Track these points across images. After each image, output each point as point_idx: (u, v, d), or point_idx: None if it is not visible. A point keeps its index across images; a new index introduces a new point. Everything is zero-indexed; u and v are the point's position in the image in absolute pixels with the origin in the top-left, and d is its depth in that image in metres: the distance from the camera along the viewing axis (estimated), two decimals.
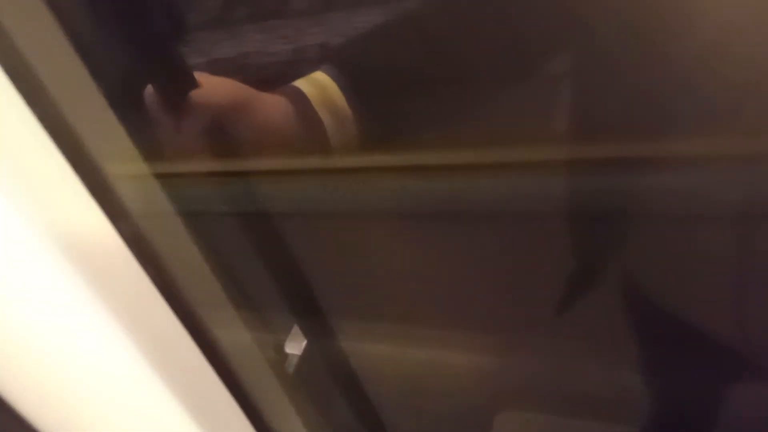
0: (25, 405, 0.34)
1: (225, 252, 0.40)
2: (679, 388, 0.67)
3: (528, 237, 0.67)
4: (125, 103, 0.35)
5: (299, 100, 0.51)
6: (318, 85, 0.52)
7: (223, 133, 0.48)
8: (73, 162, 0.26)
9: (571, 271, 0.64)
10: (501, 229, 0.67)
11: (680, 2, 0.45)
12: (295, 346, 0.62)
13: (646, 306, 0.63)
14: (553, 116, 0.59)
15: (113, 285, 0.29)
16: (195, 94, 0.44)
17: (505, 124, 0.59)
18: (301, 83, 0.52)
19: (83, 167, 0.26)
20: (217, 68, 0.48)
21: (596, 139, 0.54)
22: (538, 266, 0.69)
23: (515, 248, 0.69)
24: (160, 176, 0.33)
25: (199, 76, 0.45)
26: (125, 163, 0.30)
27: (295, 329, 0.63)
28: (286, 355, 0.62)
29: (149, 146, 0.33)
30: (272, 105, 0.50)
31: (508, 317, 0.72)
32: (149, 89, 0.44)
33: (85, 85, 0.29)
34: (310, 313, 0.61)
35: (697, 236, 0.52)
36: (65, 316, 0.29)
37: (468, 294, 0.72)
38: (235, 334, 0.40)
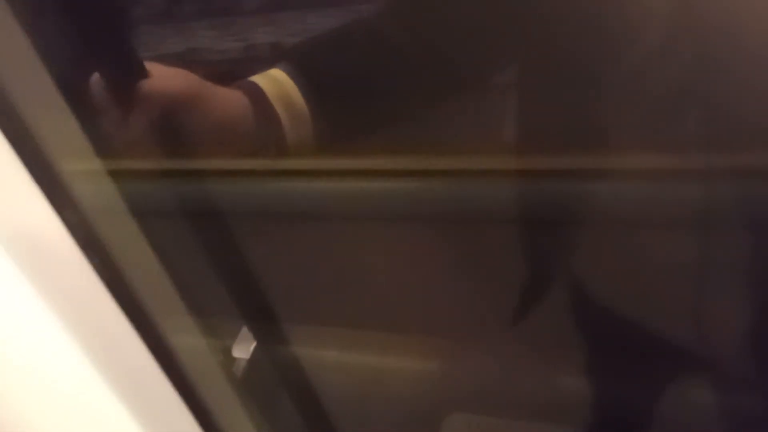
0: None
1: (174, 252, 0.39)
2: (625, 391, 0.69)
3: (477, 242, 0.67)
4: (76, 96, 0.33)
5: (255, 94, 0.50)
6: (274, 80, 0.51)
7: (174, 126, 0.46)
8: (22, 155, 0.25)
9: (524, 282, 0.65)
10: (452, 234, 0.67)
11: (628, 12, 0.46)
12: (244, 350, 0.60)
13: (594, 310, 0.64)
14: (505, 122, 0.60)
15: (59, 283, 0.27)
16: (144, 84, 0.43)
17: (456, 129, 0.59)
18: (257, 78, 0.51)
19: (32, 161, 0.25)
20: (164, 64, 0.47)
21: (546, 147, 0.55)
22: (487, 271, 0.70)
23: (465, 253, 0.69)
24: (110, 173, 0.32)
25: (150, 66, 0.44)
26: (75, 159, 0.29)
27: (244, 333, 0.61)
28: (233, 359, 0.60)
29: (99, 141, 0.32)
30: (227, 98, 0.49)
31: (457, 322, 0.73)
32: (96, 77, 0.42)
33: (36, 77, 0.27)
34: (260, 317, 0.59)
35: (646, 242, 0.54)
36: (7, 314, 0.27)
37: (418, 298, 0.73)
38: (183, 336, 0.38)
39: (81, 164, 0.29)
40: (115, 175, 0.32)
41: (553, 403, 0.74)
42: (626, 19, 0.46)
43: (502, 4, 0.52)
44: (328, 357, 0.69)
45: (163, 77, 0.44)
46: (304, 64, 0.53)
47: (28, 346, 0.29)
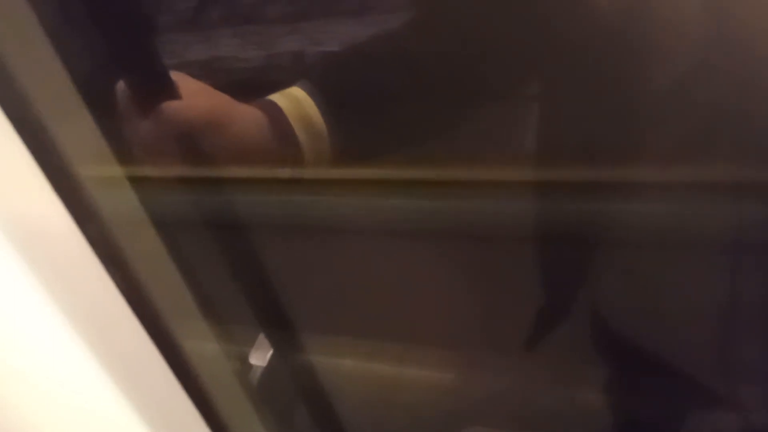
0: None
1: (192, 260, 0.39)
2: (641, 412, 0.68)
3: (498, 258, 0.67)
4: (100, 103, 0.34)
5: (275, 113, 0.50)
6: (294, 99, 0.52)
7: (195, 141, 0.47)
8: (40, 160, 0.25)
9: (542, 306, 0.64)
10: (471, 249, 0.67)
11: (659, 26, 0.46)
12: (260, 357, 0.60)
13: (614, 335, 0.64)
14: (527, 140, 0.60)
15: (76, 290, 0.28)
16: (171, 104, 0.43)
17: (478, 146, 0.59)
18: (276, 97, 0.52)
19: (51, 165, 0.25)
20: (187, 71, 0.47)
21: (570, 164, 0.54)
22: (506, 286, 0.69)
23: (484, 268, 0.69)
24: (129, 180, 0.32)
25: (178, 79, 0.44)
26: (94, 165, 0.29)
27: (260, 340, 0.61)
28: (250, 366, 0.60)
29: (121, 149, 0.32)
30: (247, 117, 0.49)
31: (475, 335, 0.72)
32: (122, 86, 0.42)
33: (60, 82, 0.28)
34: (277, 325, 0.59)
35: (669, 267, 0.53)
36: (23, 321, 0.28)
37: (435, 311, 0.72)
38: (200, 343, 0.39)
39: (99, 170, 0.30)
40: (133, 182, 0.33)
41: (568, 421, 0.73)
42: (658, 35, 0.46)
43: (526, 21, 0.52)
44: (345, 366, 0.69)
45: (187, 93, 0.44)
46: (325, 82, 0.54)
47: (43, 353, 0.29)
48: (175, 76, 0.44)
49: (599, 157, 0.51)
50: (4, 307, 0.28)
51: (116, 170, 0.31)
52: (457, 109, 0.55)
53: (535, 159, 0.58)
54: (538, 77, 0.57)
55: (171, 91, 0.43)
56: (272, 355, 0.60)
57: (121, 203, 0.32)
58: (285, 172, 0.52)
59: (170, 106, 0.43)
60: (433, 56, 0.55)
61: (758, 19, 0.41)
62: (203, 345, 0.39)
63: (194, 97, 0.45)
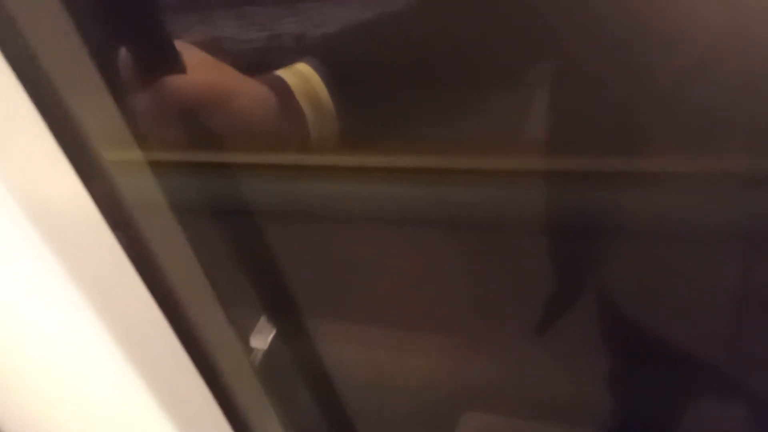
0: None
1: (199, 242, 0.39)
2: (644, 397, 0.68)
3: (501, 244, 0.66)
4: (120, 86, 0.33)
5: (281, 89, 0.49)
6: (301, 75, 0.51)
7: (199, 118, 0.46)
8: (62, 143, 0.25)
9: (550, 292, 0.64)
10: (474, 235, 0.66)
11: (667, 14, 0.45)
12: (261, 340, 0.60)
13: (620, 321, 0.64)
14: (536, 123, 0.59)
15: (93, 268, 0.27)
16: (175, 78, 0.42)
17: (486, 129, 0.58)
18: (283, 73, 0.51)
19: (72, 149, 0.25)
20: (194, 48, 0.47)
21: (580, 151, 0.54)
22: (509, 273, 0.69)
23: (490, 255, 0.68)
24: (142, 163, 0.32)
25: (184, 50, 0.43)
26: (114, 149, 0.29)
27: (261, 323, 0.61)
28: (251, 349, 0.60)
29: (135, 131, 0.32)
30: (253, 91, 0.48)
31: (477, 321, 0.72)
32: (126, 59, 0.41)
33: (82, 66, 0.27)
34: (279, 308, 0.59)
35: (680, 254, 0.53)
36: (41, 299, 0.27)
37: (438, 297, 0.72)
38: (208, 324, 0.38)
39: (118, 154, 0.29)
40: (146, 165, 0.32)
41: (570, 406, 0.73)
42: (666, 24, 0.45)
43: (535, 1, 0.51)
44: (346, 350, 0.69)
45: (192, 66, 0.43)
46: (331, 59, 0.53)
47: (58, 326, 0.29)
48: (181, 47, 0.44)
49: (609, 145, 0.51)
50: (25, 288, 0.27)
51: (129, 153, 0.31)
52: (465, 90, 0.55)
53: (544, 146, 0.58)
54: (547, 60, 0.56)
55: (176, 64, 0.42)
56: (274, 338, 0.60)
57: (138, 186, 0.31)
58: (291, 153, 0.51)
59: (173, 79, 0.43)
60: (440, 34, 0.54)
61: None
62: (211, 325, 0.39)
63: (198, 70, 0.44)
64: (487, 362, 0.74)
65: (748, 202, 0.46)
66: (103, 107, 0.30)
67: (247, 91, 0.48)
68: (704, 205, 0.47)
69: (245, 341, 0.61)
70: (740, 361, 0.56)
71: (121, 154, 0.31)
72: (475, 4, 0.54)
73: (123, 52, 0.41)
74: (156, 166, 0.37)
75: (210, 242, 0.48)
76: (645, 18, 0.46)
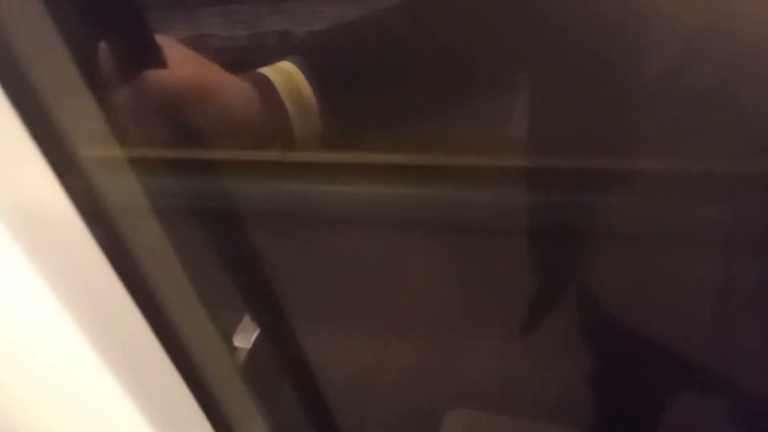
0: None
1: (179, 240, 0.38)
2: (629, 395, 0.69)
3: (486, 243, 0.67)
4: (100, 82, 0.33)
5: (265, 86, 0.49)
6: (285, 73, 0.50)
7: (180, 114, 0.45)
8: (38, 138, 0.24)
9: (535, 294, 0.64)
10: (458, 234, 0.67)
11: (653, 13, 0.46)
12: (245, 339, 0.60)
13: (603, 320, 0.64)
14: (518, 124, 0.59)
15: (69, 268, 0.27)
16: (155, 72, 0.42)
17: (468, 129, 0.58)
18: (267, 71, 0.50)
19: (48, 145, 0.25)
20: (177, 44, 0.46)
21: (565, 151, 0.54)
22: (492, 271, 0.69)
23: (473, 255, 0.69)
24: (119, 160, 0.32)
25: (165, 45, 0.43)
26: (92, 145, 0.28)
27: (245, 322, 0.61)
28: (234, 348, 0.60)
29: (114, 127, 0.31)
30: (236, 88, 0.48)
31: (462, 319, 0.72)
32: (105, 54, 0.41)
33: (60, 61, 0.27)
34: (262, 307, 0.59)
35: (662, 256, 0.53)
36: (14, 298, 0.27)
37: (422, 295, 0.72)
38: (188, 323, 0.38)
39: (96, 151, 0.29)
40: (125, 162, 0.32)
41: (554, 403, 0.73)
42: (649, 24, 0.45)
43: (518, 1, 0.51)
44: (330, 349, 0.69)
45: (173, 60, 0.43)
46: (315, 58, 0.52)
47: (34, 328, 0.29)
48: (163, 42, 0.43)
49: (591, 146, 0.51)
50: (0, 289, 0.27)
51: (107, 150, 0.30)
52: (449, 88, 0.55)
53: (529, 146, 0.58)
54: (531, 59, 0.56)
55: (156, 58, 0.42)
56: (257, 337, 0.60)
57: (116, 183, 0.31)
58: (274, 152, 0.51)
59: (154, 73, 0.42)
60: (424, 32, 0.54)
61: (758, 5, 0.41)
62: (193, 325, 0.39)
63: (180, 65, 0.44)
64: (472, 359, 0.74)
65: (730, 202, 0.47)
66: (80, 102, 0.30)
67: (230, 87, 0.47)
68: (688, 205, 0.48)
69: (228, 340, 0.60)
70: (726, 359, 0.57)
71: (99, 151, 0.31)
72: (460, 3, 0.54)
73: (103, 47, 0.41)
74: (136, 164, 0.37)
75: (192, 241, 0.48)
76: (633, 18, 0.46)
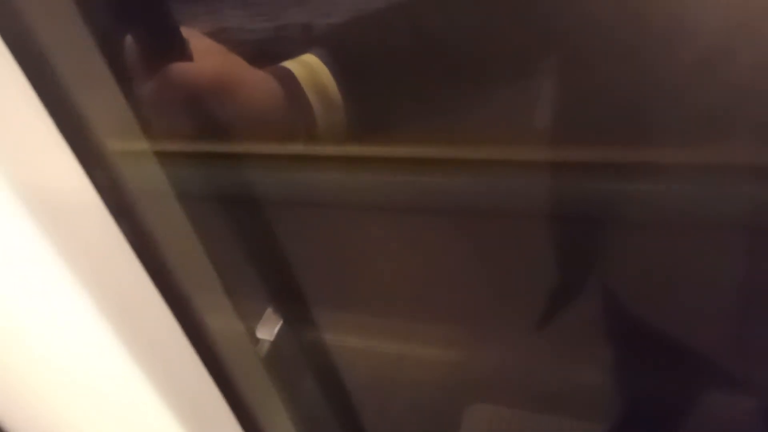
0: None
1: (206, 233, 0.38)
2: (649, 391, 0.68)
3: (508, 235, 0.66)
4: (124, 74, 0.33)
5: (288, 80, 0.49)
6: (308, 67, 0.50)
7: (205, 107, 0.45)
8: (66, 133, 0.24)
9: (553, 285, 0.64)
10: (481, 227, 0.66)
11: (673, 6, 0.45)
12: (268, 332, 0.60)
13: (625, 315, 0.63)
14: (545, 115, 0.59)
15: (96, 260, 0.27)
16: (180, 65, 0.42)
17: (494, 120, 0.58)
18: (290, 64, 0.50)
19: (75, 138, 0.25)
20: (202, 36, 0.46)
21: (589, 142, 0.53)
22: (516, 265, 0.69)
23: (494, 245, 0.68)
24: (148, 153, 0.32)
25: (191, 37, 0.43)
26: (118, 138, 0.28)
27: (268, 314, 0.61)
28: (257, 340, 0.60)
29: (145, 122, 0.31)
30: (259, 83, 0.47)
31: (483, 313, 0.72)
32: (132, 47, 0.41)
33: (86, 54, 0.27)
34: (285, 299, 0.59)
35: (685, 247, 0.52)
36: (43, 292, 0.27)
37: (446, 287, 0.72)
38: (214, 315, 0.38)
39: (123, 144, 0.29)
40: (151, 154, 0.32)
41: (575, 399, 0.73)
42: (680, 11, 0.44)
43: None
44: (352, 342, 0.69)
45: (198, 53, 0.43)
46: (339, 50, 0.52)
47: (61, 320, 0.29)
48: (188, 33, 0.43)
49: (614, 136, 0.51)
50: (29, 281, 0.27)
51: (134, 143, 0.30)
52: (474, 80, 0.54)
53: (550, 136, 0.57)
54: (556, 50, 0.55)
55: (182, 51, 0.42)
56: (280, 329, 0.60)
57: (142, 176, 0.31)
58: (297, 144, 0.51)
59: (179, 66, 0.42)
60: (448, 24, 0.53)
61: None
62: (217, 317, 0.39)
63: (206, 57, 0.44)
64: (494, 353, 0.74)
65: (757, 195, 0.46)
66: (107, 96, 0.30)
67: (254, 81, 0.47)
68: (712, 198, 0.47)
69: (252, 332, 0.60)
70: (747, 358, 0.56)
71: (127, 144, 0.31)
72: None
73: (129, 40, 0.41)
74: (162, 156, 0.37)
75: (217, 233, 0.48)
76: (654, 10, 0.45)
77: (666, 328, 0.60)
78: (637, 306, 0.62)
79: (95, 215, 0.27)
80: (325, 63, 0.50)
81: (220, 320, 0.41)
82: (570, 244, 0.63)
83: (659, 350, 0.62)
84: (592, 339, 0.69)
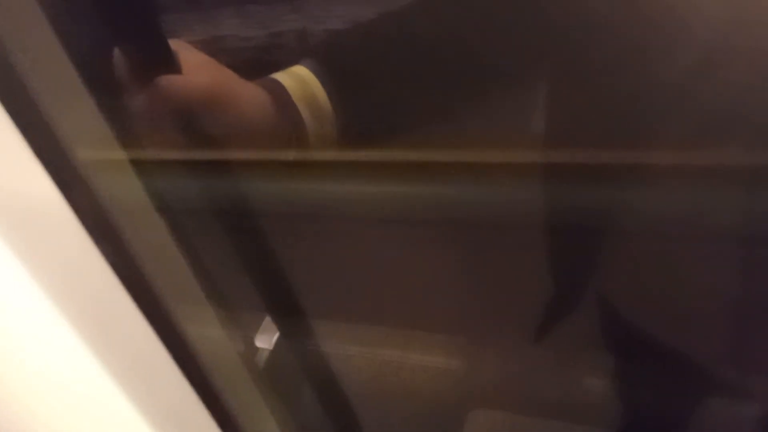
0: None
1: (196, 245, 0.38)
2: (647, 398, 0.68)
3: (508, 243, 0.66)
4: (99, 82, 0.33)
5: (279, 93, 0.49)
6: (299, 79, 0.50)
7: (194, 118, 0.45)
8: (34, 144, 0.24)
9: (551, 296, 0.63)
10: (476, 234, 0.66)
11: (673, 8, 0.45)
12: (266, 340, 0.60)
13: (621, 320, 0.63)
14: (536, 123, 0.59)
15: (71, 276, 0.27)
16: (170, 78, 0.42)
17: (487, 131, 0.58)
18: (281, 76, 0.50)
19: (46, 150, 0.24)
20: (191, 48, 0.46)
21: (580, 149, 0.53)
22: (516, 274, 0.68)
23: (492, 255, 0.68)
24: (128, 163, 0.31)
25: (181, 50, 0.43)
26: (91, 148, 0.28)
27: (266, 323, 0.61)
28: (256, 349, 0.60)
29: (117, 129, 0.31)
30: (250, 97, 0.47)
31: (483, 319, 0.72)
32: (119, 57, 0.41)
33: (56, 61, 0.26)
34: (283, 309, 0.59)
35: (680, 255, 0.52)
36: (12, 307, 0.27)
37: (442, 296, 0.72)
38: (204, 328, 0.38)
39: (96, 153, 0.29)
40: (132, 165, 0.32)
41: (575, 404, 0.73)
42: (677, 14, 0.44)
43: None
44: (352, 351, 0.69)
45: (189, 66, 0.43)
46: (330, 61, 0.52)
47: (35, 336, 0.28)
48: (178, 46, 0.43)
49: (609, 143, 0.50)
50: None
51: (113, 153, 0.30)
52: (466, 90, 0.54)
53: (544, 144, 0.57)
54: (549, 58, 0.55)
55: (171, 64, 0.42)
56: (278, 339, 0.60)
57: (118, 187, 0.30)
58: (288, 155, 0.51)
59: (168, 80, 0.42)
60: (441, 35, 0.53)
61: None
62: (208, 329, 0.38)
63: (195, 71, 0.43)
64: (493, 360, 0.73)
65: (750, 202, 0.46)
66: (78, 104, 0.29)
67: (245, 95, 0.47)
68: (709, 206, 0.47)
69: (250, 342, 0.60)
70: (741, 362, 0.55)
71: (103, 154, 0.30)
72: (479, 2, 0.53)
73: (117, 51, 0.41)
74: (151, 167, 0.37)
75: (211, 245, 0.48)
76: (653, 14, 0.45)
77: (669, 338, 0.60)
78: (635, 315, 0.62)
79: (68, 228, 0.27)
80: (316, 74, 0.50)
81: (208, 334, 0.40)
82: (571, 254, 0.63)
83: (656, 360, 0.61)
84: (591, 346, 0.69)
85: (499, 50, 0.53)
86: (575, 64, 0.53)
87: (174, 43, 0.43)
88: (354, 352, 0.69)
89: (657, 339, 0.59)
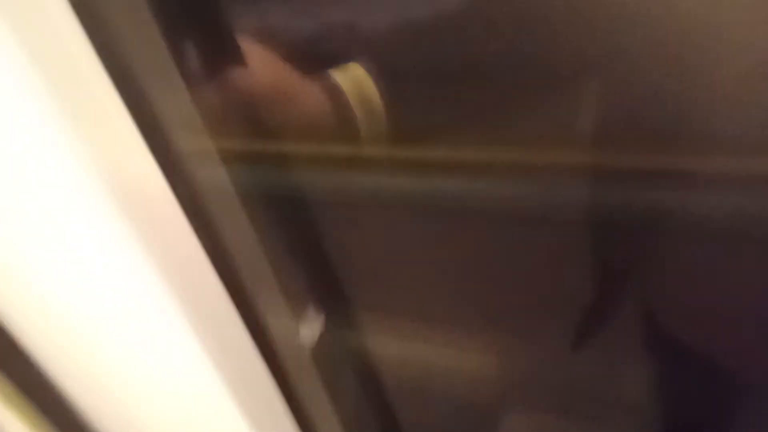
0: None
1: (264, 232, 0.39)
2: (686, 409, 0.68)
3: (549, 242, 0.66)
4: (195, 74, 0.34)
5: (336, 94, 0.51)
6: (356, 80, 0.52)
7: (256, 113, 0.47)
8: (145, 134, 0.25)
9: (592, 303, 0.64)
10: (523, 233, 0.66)
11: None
12: (312, 329, 0.61)
13: (665, 331, 0.63)
14: (588, 122, 0.58)
15: (169, 254, 0.28)
16: (240, 73, 0.44)
17: (537, 130, 0.58)
18: (339, 76, 0.52)
19: (153, 139, 0.26)
20: (257, 44, 0.48)
21: (631, 151, 0.53)
22: (559, 274, 0.68)
23: (538, 253, 0.68)
24: (217, 153, 0.33)
25: (248, 48, 0.44)
26: (190, 137, 0.29)
27: (312, 312, 0.62)
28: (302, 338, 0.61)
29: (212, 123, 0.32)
30: (310, 97, 0.49)
31: (528, 321, 0.72)
32: (192, 54, 0.42)
33: (162, 58, 0.28)
34: (330, 299, 0.60)
35: (730, 263, 0.52)
36: (128, 290, 0.28)
37: (490, 293, 0.72)
38: (270, 315, 0.39)
39: (193, 143, 0.30)
40: (219, 155, 0.33)
41: (615, 407, 0.73)
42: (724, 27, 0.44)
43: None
44: (395, 343, 0.70)
45: (258, 64, 0.45)
46: (384, 61, 0.53)
47: (134, 302, 0.30)
48: (246, 43, 0.44)
49: (661, 145, 0.50)
50: (108, 270, 0.28)
51: (206, 143, 0.32)
52: (517, 90, 0.54)
53: (596, 145, 0.57)
54: (602, 58, 0.55)
55: (234, 57, 0.43)
56: (323, 328, 0.61)
57: (210, 176, 0.32)
58: (341, 151, 0.53)
59: (236, 75, 0.44)
60: (494, 34, 0.54)
61: None
62: (273, 314, 0.40)
63: (262, 69, 0.45)
64: (536, 361, 0.74)
65: None
66: (179, 98, 0.31)
67: (304, 96, 0.49)
68: (761, 211, 0.46)
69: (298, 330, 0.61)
70: None
71: (198, 144, 0.32)
72: (533, 3, 0.53)
73: (190, 45, 0.42)
74: (223, 155, 0.38)
75: (269, 231, 0.49)
76: (709, 18, 0.45)
77: (709, 348, 0.59)
78: (679, 325, 0.61)
79: (172, 214, 0.28)
80: (370, 73, 0.52)
81: (275, 317, 0.42)
82: (617, 258, 0.63)
83: (702, 370, 0.61)
84: (631, 353, 0.69)
85: (551, 51, 0.53)
86: (628, 65, 0.53)
87: (244, 42, 0.44)
88: (396, 345, 0.70)
89: (702, 350, 0.59)
